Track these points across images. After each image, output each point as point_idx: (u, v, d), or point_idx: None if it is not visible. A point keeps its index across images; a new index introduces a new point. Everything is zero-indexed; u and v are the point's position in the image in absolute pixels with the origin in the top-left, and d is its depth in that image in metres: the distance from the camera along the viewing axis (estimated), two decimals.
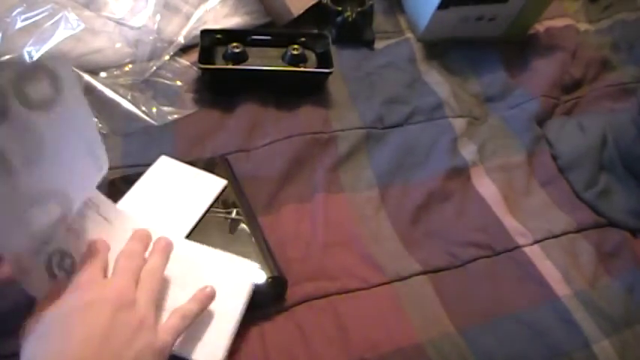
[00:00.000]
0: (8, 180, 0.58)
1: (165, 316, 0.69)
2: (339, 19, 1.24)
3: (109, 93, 1.06)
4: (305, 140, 1.03)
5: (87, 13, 1.12)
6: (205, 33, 1.14)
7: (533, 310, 0.84)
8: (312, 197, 0.96)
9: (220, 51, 1.13)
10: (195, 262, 0.79)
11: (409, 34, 1.29)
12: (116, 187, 0.89)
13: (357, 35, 1.26)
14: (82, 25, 1.08)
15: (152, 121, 1.05)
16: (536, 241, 0.93)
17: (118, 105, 1.06)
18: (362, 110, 1.10)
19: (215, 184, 0.91)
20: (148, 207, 0.87)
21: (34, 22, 1.06)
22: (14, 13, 1.05)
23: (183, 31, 1.17)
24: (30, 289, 0.66)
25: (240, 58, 1.12)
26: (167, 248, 0.73)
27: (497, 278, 0.88)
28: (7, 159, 0.57)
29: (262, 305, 0.81)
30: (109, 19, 1.14)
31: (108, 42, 1.11)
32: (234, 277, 0.78)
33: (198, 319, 0.71)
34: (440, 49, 1.26)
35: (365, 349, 0.77)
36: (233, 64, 1.11)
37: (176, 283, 0.74)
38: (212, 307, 0.74)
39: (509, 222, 0.95)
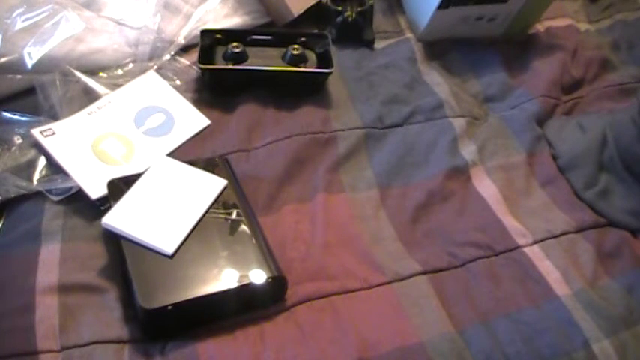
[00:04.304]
0: None
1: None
2: (339, 19, 1.24)
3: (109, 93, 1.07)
4: (305, 140, 1.03)
5: (87, 13, 1.12)
6: (205, 33, 1.14)
7: (533, 310, 0.84)
8: (312, 197, 0.96)
9: (220, 51, 1.14)
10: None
11: (409, 34, 1.29)
12: (116, 187, 0.90)
13: (357, 35, 1.26)
14: (83, 26, 1.08)
15: None
16: (536, 241, 0.93)
17: None
18: (362, 110, 1.10)
19: (215, 184, 0.91)
20: (148, 207, 0.87)
21: (34, 22, 1.06)
22: (14, 14, 1.05)
23: (183, 31, 1.17)
24: None
25: (240, 58, 1.12)
26: None
27: (497, 278, 0.88)
28: None
29: (262, 305, 0.82)
30: (109, 19, 1.14)
31: (108, 42, 1.11)
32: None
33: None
34: (440, 49, 1.26)
35: (365, 349, 0.77)
36: (233, 64, 1.11)
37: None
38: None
39: (509, 222, 0.95)
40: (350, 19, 1.24)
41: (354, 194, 0.98)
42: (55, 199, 0.91)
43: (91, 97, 1.05)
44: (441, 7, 1.18)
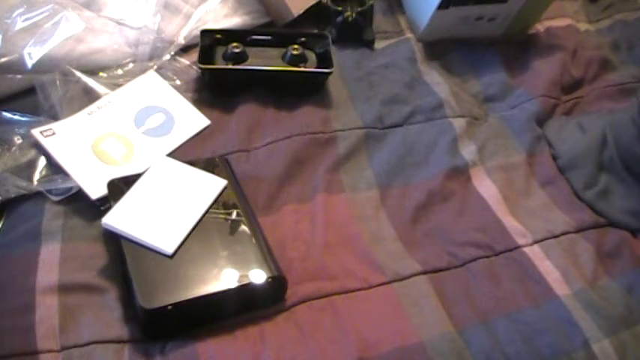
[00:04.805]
0: None
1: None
2: (339, 19, 1.24)
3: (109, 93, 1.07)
4: (305, 140, 1.03)
5: (87, 13, 1.12)
6: (205, 33, 1.14)
7: (533, 310, 0.84)
8: (312, 197, 0.96)
9: (220, 51, 1.14)
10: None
11: (409, 34, 1.29)
12: (116, 187, 0.90)
13: (357, 35, 1.26)
14: (83, 26, 1.08)
15: None
16: (536, 241, 0.93)
17: None
18: (362, 110, 1.10)
19: (215, 184, 0.91)
20: (148, 207, 0.87)
21: (34, 22, 1.06)
22: (15, 14, 1.05)
23: (183, 31, 1.17)
24: None
25: (240, 58, 1.12)
26: None
27: (497, 278, 0.88)
28: None
29: (262, 305, 0.82)
30: (109, 19, 1.14)
31: (108, 42, 1.11)
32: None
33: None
34: (440, 49, 1.26)
35: (365, 349, 0.77)
36: (233, 64, 1.11)
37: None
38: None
39: (509, 222, 0.95)
40: (350, 19, 1.24)
41: (354, 194, 0.98)
42: (55, 199, 0.91)
43: (91, 97, 1.05)
44: (441, 7, 1.18)
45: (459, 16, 1.22)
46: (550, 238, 0.93)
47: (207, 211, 0.88)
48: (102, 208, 0.90)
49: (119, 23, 1.14)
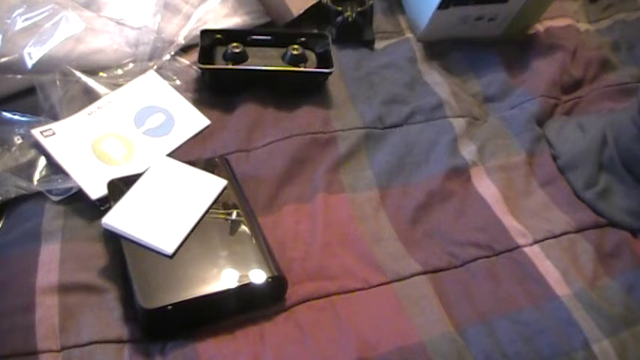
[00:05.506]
0: None
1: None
2: (339, 19, 1.24)
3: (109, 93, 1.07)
4: (305, 140, 1.03)
5: (87, 13, 1.12)
6: (205, 33, 1.14)
7: (533, 310, 0.84)
8: (312, 197, 0.96)
9: (220, 51, 1.14)
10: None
11: (409, 34, 1.29)
12: (116, 187, 0.90)
13: (357, 35, 1.26)
14: (83, 26, 1.08)
15: None
16: (536, 241, 0.93)
17: None
18: (362, 110, 1.10)
19: (215, 184, 0.91)
20: (148, 207, 0.87)
21: (34, 22, 1.06)
22: (15, 14, 1.05)
23: (183, 31, 1.17)
24: None
25: (240, 58, 1.12)
26: None
27: (497, 278, 0.88)
28: None
29: (262, 305, 0.82)
30: (109, 19, 1.14)
31: (108, 42, 1.11)
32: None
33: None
34: (440, 49, 1.26)
35: (365, 349, 0.77)
36: (233, 64, 1.11)
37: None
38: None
39: (509, 222, 0.95)
40: (350, 19, 1.24)
41: (354, 194, 0.98)
42: (55, 199, 0.91)
43: (91, 97, 1.05)
44: (441, 7, 1.18)
45: (458, 16, 1.22)
46: (550, 238, 0.93)
47: (207, 211, 0.88)
48: (102, 208, 0.90)
49: (119, 23, 1.14)
